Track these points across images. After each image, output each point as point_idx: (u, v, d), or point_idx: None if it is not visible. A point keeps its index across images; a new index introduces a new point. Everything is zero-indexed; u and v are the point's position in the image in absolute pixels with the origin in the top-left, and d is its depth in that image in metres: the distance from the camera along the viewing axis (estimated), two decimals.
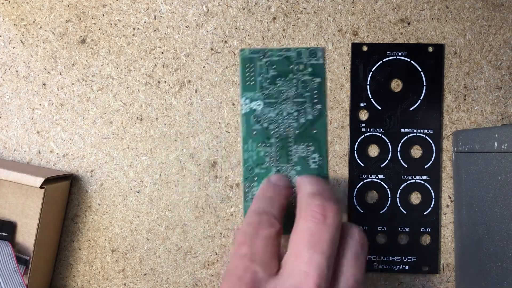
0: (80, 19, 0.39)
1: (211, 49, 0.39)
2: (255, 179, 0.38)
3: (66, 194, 0.39)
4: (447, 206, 0.39)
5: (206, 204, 0.39)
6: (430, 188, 0.38)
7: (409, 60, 0.38)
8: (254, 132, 0.38)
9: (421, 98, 0.38)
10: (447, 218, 0.39)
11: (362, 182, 0.39)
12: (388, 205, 0.39)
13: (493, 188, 0.32)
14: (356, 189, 0.39)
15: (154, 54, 0.39)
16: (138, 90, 0.39)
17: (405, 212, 0.39)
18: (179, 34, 0.39)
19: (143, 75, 0.39)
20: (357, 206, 0.39)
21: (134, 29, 0.39)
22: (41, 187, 0.35)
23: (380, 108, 0.39)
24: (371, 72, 0.39)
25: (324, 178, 0.37)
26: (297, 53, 0.37)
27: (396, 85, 0.39)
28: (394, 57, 0.38)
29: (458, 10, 0.39)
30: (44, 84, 0.39)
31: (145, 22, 0.39)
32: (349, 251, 0.28)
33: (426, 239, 0.39)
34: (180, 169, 0.39)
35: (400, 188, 0.39)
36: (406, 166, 0.38)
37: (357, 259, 0.28)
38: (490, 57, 0.39)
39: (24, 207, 0.37)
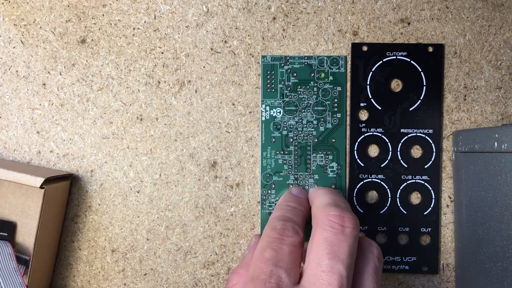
0: (80, 19, 0.39)
1: (211, 49, 0.39)
2: (273, 186, 0.38)
3: (66, 194, 0.39)
4: (447, 206, 0.39)
5: (206, 204, 0.39)
6: (430, 188, 0.38)
7: (409, 60, 0.38)
8: (273, 140, 0.38)
9: (421, 98, 0.38)
10: (447, 218, 0.39)
11: (362, 182, 0.39)
12: (388, 205, 0.39)
13: (493, 188, 0.32)
14: (356, 189, 0.39)
15: (154, 54, 0.39)
16: (138, 90, 0.39)
17: (405, 212, 0.39)
18: (179, 34, 0.39)
19: (143, 75, 0.39)
20: (357, 206, 0.39)
21: (134, 29, 0.39)
22: (41, 187, 0.35)
23: (380, 108, 0.39)
24: (371, 72, 0.39)
25: (337, 190, 0.37)
26: (319, 61, 0.37)
27: (396, 85, 0.39)
28: (394, 57, 0.38)
29: (458, 10, 0.39)
30: (44, 84, 0.39)
31: (145, 22, 0.39)
32: (369, 267, 0.28)
33: (426, 239, 0.39)
34: (180, 169, 0.39)
35: (400, 188, 0.39)
36: (406, 166, 0.39)
37: (376, 274, 0.28)
38: (490, 57, 0.39)
39: (24, 207, 0.37)
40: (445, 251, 0.39)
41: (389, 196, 0.39)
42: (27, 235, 0.37)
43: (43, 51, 0.39)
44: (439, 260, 0.39)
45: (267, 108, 0.39)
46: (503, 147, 0.31)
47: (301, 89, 0.38)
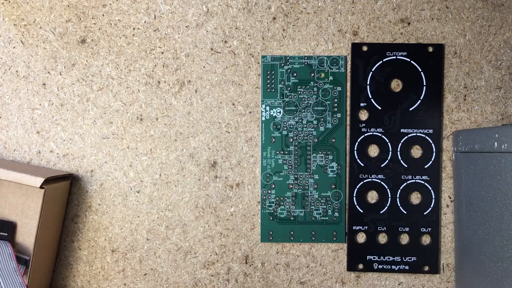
0: (80, 19, 0.39)
1: (211, 49, 0.39)
2: (273, 186, 0.39)
3: (66, 194, 0.39)
4: (447, 206, 0.39)
5: (206, 204, 0.39)
6: (430, 188, 0.38)
7: (409, 60, 0.38)
8: (273, 140, 0.38)
9: (421, 98, 0.38)
10: (447, 218, 0.39)
11: (362, 182, 0.39)
12: (388, 205, 0.39)
13: (493, 188, 0.32)
14: (356, 189, 0.39)
15: (154, 54, 0.39)
16: (138, 90, 0.39)
17: (405, 212, 0.39)
18: (179, 34, 0.39)
19: (143, 75, 0.39)
20: (357, 206, 0.39)
21: (134, 29, 0.39)
22: (41, 187, 0.35)
23: (380, 108, 0.39)
24: (371, 72, 0.39)
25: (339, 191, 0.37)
26: (319, 61, 0.37)
27: (396, 85, 0.39)
28: (394, 57, 0.38)
29: (458, 10, 0.39)
30: (44, 84, 0.39)
31: (145, 22, 0.39)
32: None
33: (426, 239, 0.39)
34: (180, 169, 0.39)
35: (400, 188, 0.39)
36: (406, 166, 0.38)
37: None
38: (490, 57, 0.39)
39: (24, 207, 0.37)
40: (445, 251, 0.39)
41: (389, 196, 0.39)
42: (27, 235, 0.37)
43: (43, 51, 0.39)
44: (439, 260, 0.39)
45: (267, 108, 0.39)
46: (503, 147, 0.31)
47: (301, 89, 0.39)
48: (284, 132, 0.39)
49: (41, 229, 0.36)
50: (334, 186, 0.39)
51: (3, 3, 0.39)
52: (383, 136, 0.39)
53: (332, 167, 0.39)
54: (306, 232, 0.39)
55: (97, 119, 0.39)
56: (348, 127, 0.39)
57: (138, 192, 0.39)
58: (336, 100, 0.39)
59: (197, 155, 0.39)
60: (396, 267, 0.39)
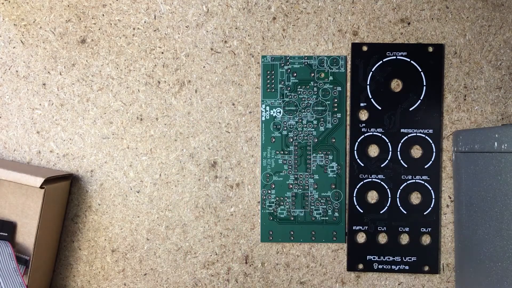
0: (80, 19, 0.39)
1: (211, 49, 0.39)
2: (273, 186, 0.39)
3: (66, 194, 0.39)
4: (447, 206, 0.39)
5: (206, 204, 0.39)
6: (430, 188, 0.38)
7: (409, 60, 0.38)
8: (273, 140, 0.38)
9: (421, 98, 0.38)
10: (447, 218, 0.39)
11: (362, 182, 0.39)
12: (388, 205, 0.39)
13: (493, 188, 0.32)
14: (356, 189, 0.39)
15: (154, 54, 0.39)
16: (138, 90, 0.39)
17: (405, 212, 0.39)
18: (179, 34, 0.39)
19: (143, 75, 0.39)
20: (357, 206, 0.39)
21: (134, 29, 0.39)
22: (41, 187, 0.35)
23: (380, 108, 0.39)
24: (371, 72, 0.39)
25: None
26: (319, 61, 0.37)
27: (396, 85, 0.39)
28: (394, 57, 0.38)
29: (458, 10, 0.39)
30: (44, 84, 0.39)
31: (145, 22, 0.39)
32: None
33: (426, 239, 0.39)
34: (180, 169, 0.39)
35: (400, 188, 0.39)
36: (406, 166, 0.38)
37: None
38: (490, 57, 0.39)
39: (24, 207, 0.37)
40: (445, 251, 0.39)
41: (389, 196, 0.39)
42: (27, 235, 0.37)
43: (43, 51, 0.39)
44: (439, 260, 0.39)
45: (267, 108, 0.39)
46: (503, 147, 0.31)
47: (301, 89, 0.39)
48: (284, 132, 0.39)
49: (41, 229, 0.36)
50: (334, 186, 0.39)
51: (3, 3, 0.39)
52: (383, 136, 0.39)
53: (332, 167, 0.39)
54: (306, 232, 0.39)
55: (97, 119, 0.39)
56: (348, 127, 0.39)
57: (138, 192, 0.39)
58: (336, 100, 0.39)
59: (197, 155, 0.39)
60: (396, 267, 0.39)
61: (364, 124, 0.39)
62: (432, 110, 0.38)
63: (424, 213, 0.38)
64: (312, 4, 0.39)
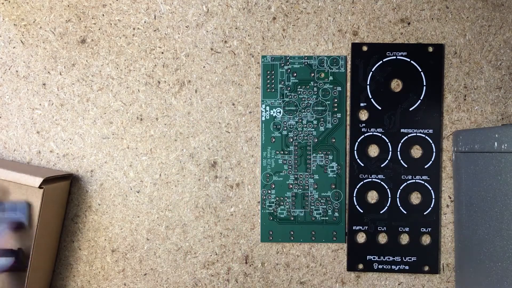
0: (80, 19, 0.39)
1: (211, 49, 0.39)
2: (273, 186, 0.39)
3: (66, 194, 0.39)
4: (447, 206, 0.39)
5: (206, 204, 0.39)
6: (430, 188, 0.38)
7: (409, 60, 0.38)
8: (273, 140, 0.38)
9: (421, 98, 0.38)
10: (447, 218, 0.39)
11: (362, 182, 0.39)
12: (388, 205, 0.39)
13: (493, 188, 0.32)
14: (356, 189, 0.39)
15: (154, 54, 0.39)
16: (138, 90, 0.39)
17: (405, 212, 0.39)
18: (179, 34, 0.39)
19: (143, 75, 0.39)
20: (357, 206, 0.39)
21: (134, 29, 0.39)
22: (40, 187, 0.35)
23: (380, 108, 0.39)
24: (371, 72, 0.39)
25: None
26: (319, 61, 0.37)
27: (396, 85, 0.39)
28: (394, 57, 0.38)
29: (458, 10, 0.39)
30: (44, 84, 0.39)
31: (145, 22, 0.39)
32: None
33: (426, 239, 0.39)
34: (180, 169, 0.39)
35: (400, 188, 0.39)
36: (406, 166, 0.38)
37: None
38: (490, 57, 0.39)
39: None
40: (445, 251, 0.39)
41: (389, 196, 0.39)
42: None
43: (43, 51, 0.39)
44: (439, 260, 0.39)
45: (267, 108, 0.39)
46: (503, 147, 0.31)
47: (301, 89, 0.39)
48: (284, 132, 0.39)
49: (41, 229, 0.36)
50: (334, 186, 0.39)
51: (3, 3, 0.39)
52: (383, 136, 0.39)
53: (332, 167, 0.39)
54: (306, 232, 0.39)
55: (97, 119, 0.39)
56: (348, 127, 0.39)
57: (138, 192, 0.39)
58: (336, 100, 0.39)
59: (197, 155, 0.39)
60: (396, 267, 0.39)
61: (364, 124, 0.39)
62: (432, 110, 0.38)
63: (424, 213, 0.38)
64: (312, 4, 0.39)
